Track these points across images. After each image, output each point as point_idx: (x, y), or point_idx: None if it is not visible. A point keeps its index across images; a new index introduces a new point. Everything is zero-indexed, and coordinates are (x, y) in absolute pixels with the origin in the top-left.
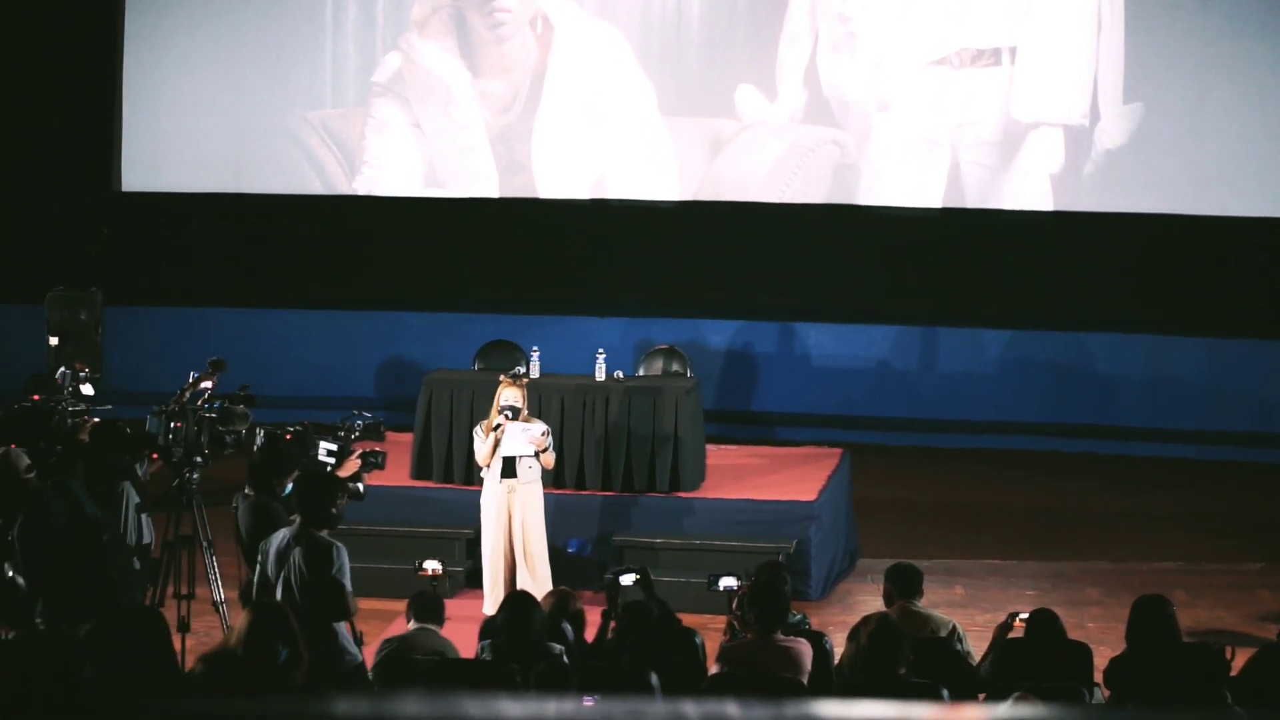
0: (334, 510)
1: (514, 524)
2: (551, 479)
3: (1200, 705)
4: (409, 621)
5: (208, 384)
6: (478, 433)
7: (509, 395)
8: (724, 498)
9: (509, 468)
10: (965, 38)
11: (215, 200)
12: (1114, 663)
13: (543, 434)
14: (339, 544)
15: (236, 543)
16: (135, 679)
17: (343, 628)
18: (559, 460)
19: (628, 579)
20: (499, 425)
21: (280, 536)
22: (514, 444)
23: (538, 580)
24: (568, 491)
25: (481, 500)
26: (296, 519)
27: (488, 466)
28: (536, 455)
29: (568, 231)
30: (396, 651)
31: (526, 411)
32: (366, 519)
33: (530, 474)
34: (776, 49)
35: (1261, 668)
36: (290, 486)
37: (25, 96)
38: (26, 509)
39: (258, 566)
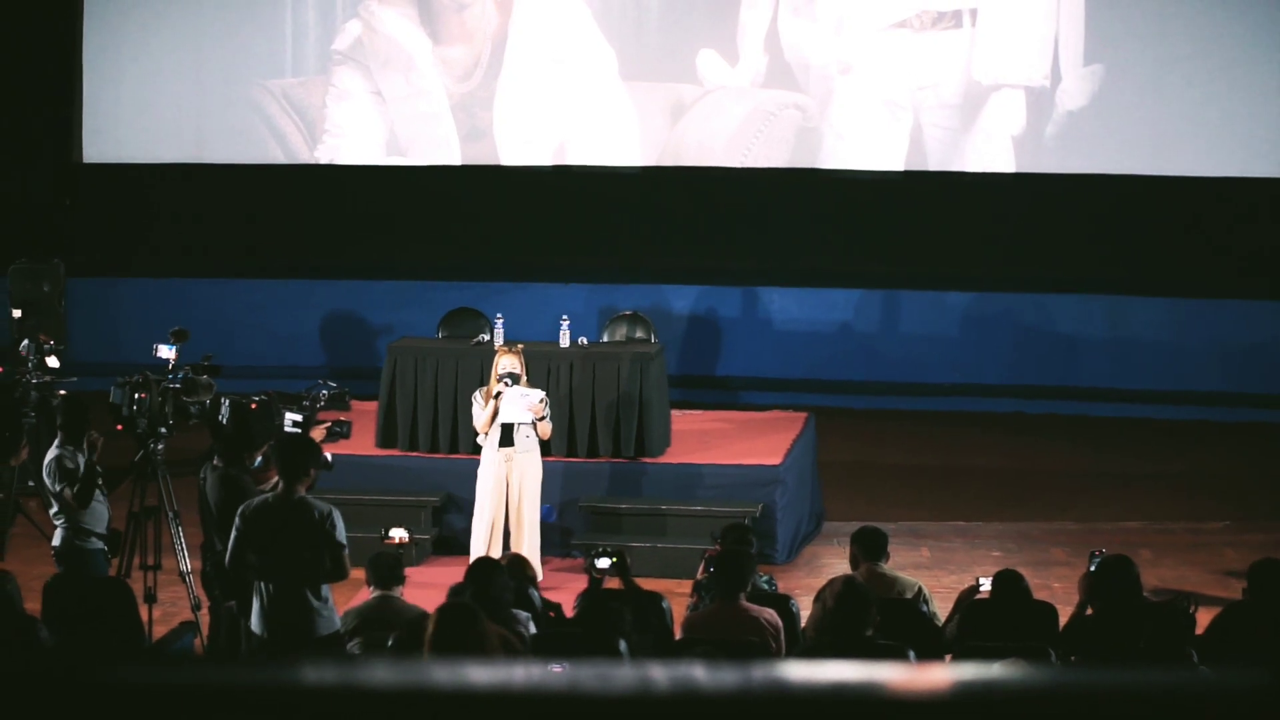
0: (314, 472)
1: (510, 493)
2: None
3: (1165, 663)
4: (370, 588)
5: (170, 354)
6: (476, 399)
7: (507, 363)
8: (689, 462)
9: (507, 436)
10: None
11: (177, 171)
12: (1071, 624)
13: (541, 401)
14: (334, 507)
15: (201, 514)
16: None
17: (330, 593)
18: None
19: (603, 563)
20: (499, 393)
21: (259, 501)
22: (513, 411)
23: (527, 551)
24: None
25: (479, 470)
26: (279, 484)
27: (485, 434)
28: (534, 425)
29: (530, 198)
30: (365, 623)
31: (526, 379)
32: (332, 488)
33: (528, 444)
34: (737, 13)
35: (1226, 625)
36: (260, 460)
37: None
38: None
39: (234, 534)
